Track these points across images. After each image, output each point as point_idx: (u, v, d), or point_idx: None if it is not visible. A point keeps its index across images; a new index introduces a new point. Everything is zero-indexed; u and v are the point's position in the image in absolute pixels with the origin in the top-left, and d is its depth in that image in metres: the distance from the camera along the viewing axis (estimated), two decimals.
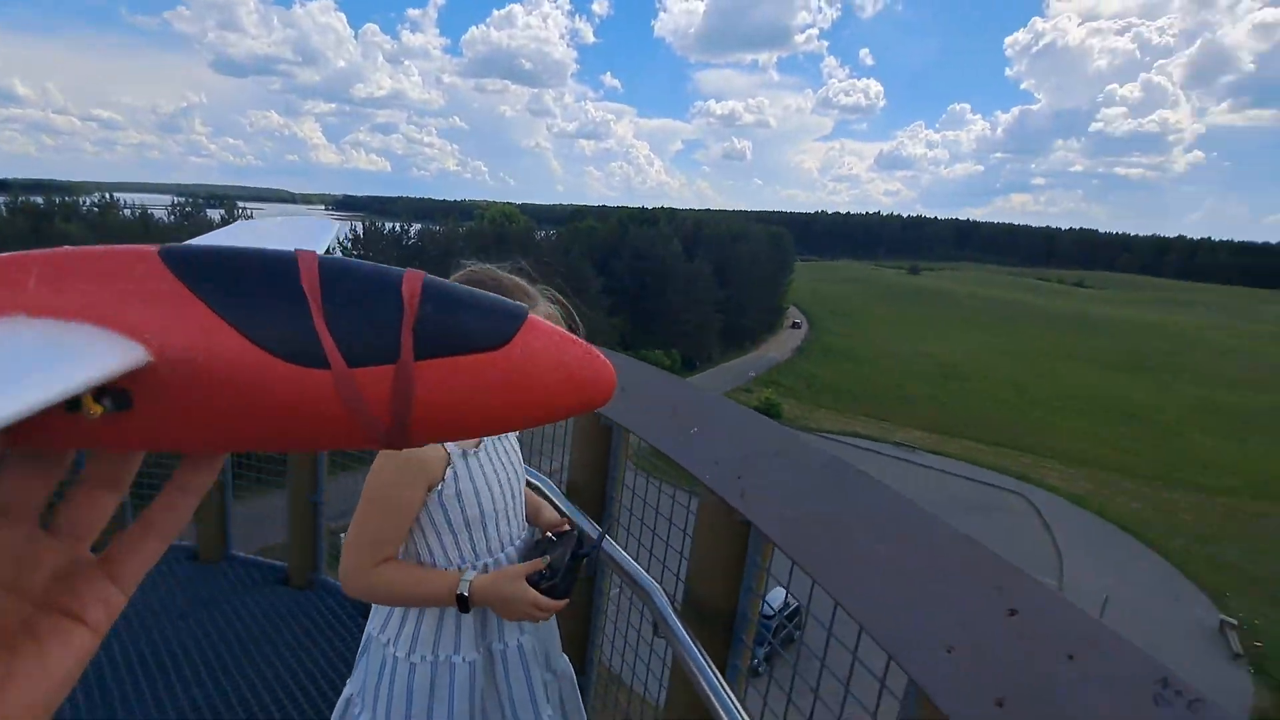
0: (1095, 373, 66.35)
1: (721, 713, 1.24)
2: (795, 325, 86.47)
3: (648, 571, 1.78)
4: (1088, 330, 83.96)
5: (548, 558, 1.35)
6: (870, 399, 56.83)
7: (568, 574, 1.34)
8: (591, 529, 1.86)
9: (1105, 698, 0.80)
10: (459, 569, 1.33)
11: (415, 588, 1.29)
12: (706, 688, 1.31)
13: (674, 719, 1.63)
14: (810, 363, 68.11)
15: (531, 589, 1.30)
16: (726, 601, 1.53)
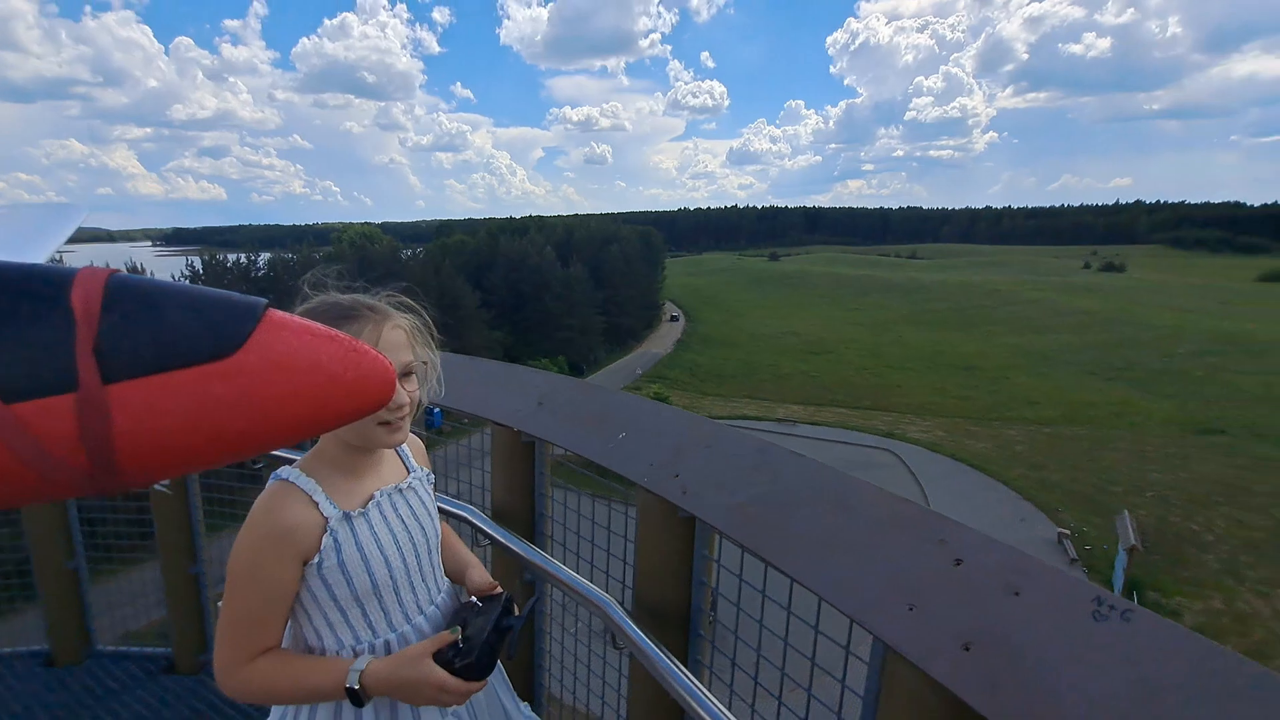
0: (933, 332, 73.74)
1: (698, 709, 1.24)
2: (674, 318, 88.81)
3: (592, 584, 1.76)
4: (923, 296, 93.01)
5: (459, 630, 1.12)
6: (750, 380, 59.60)
7: (486, 649, 1.11)
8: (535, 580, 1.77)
9: (1052, 622, 0.84)
10: (354, 652, 1.12)
11: (297, 684, 1.06)
12: (678, 686, 1.31)
13: None
14: (692, 353, 70.23)
15: (439, 670, 1.07)
16: (679, 599, 1.54)
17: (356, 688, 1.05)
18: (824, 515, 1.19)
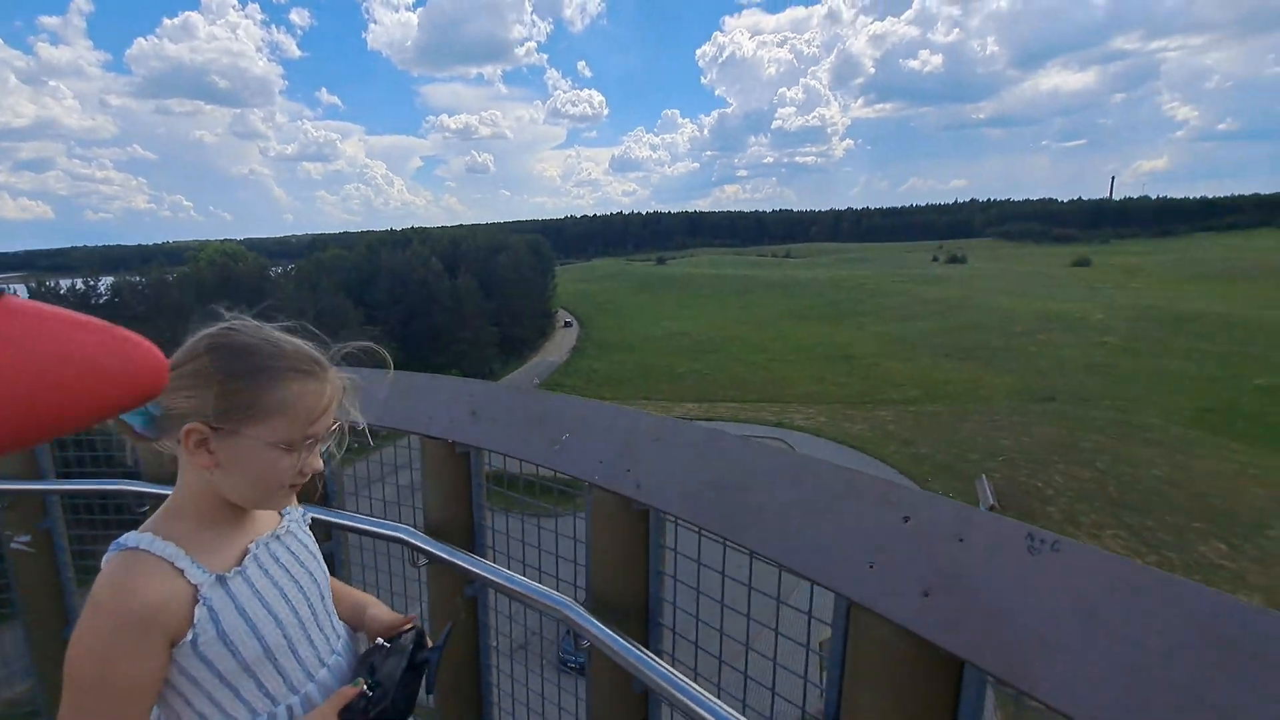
0: (810, 326, 78.53)
1: (671, 690, 1.27)
2: (567, 324, 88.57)
3: (544, 586, 1.73)
4: (800, 292, 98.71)
5: (362, 681, 1.02)
6: (646, 382, 60.57)
7: (401, 691, 1.03)
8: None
9: (996, 561, 0.94)
10: None
11: None
12: (648, 672, 1.33)
13: None
14: (588, 359, 70.31)
15: None
16: (637, 591, 1.56)
17: None
18: (780, 491, 1.26)
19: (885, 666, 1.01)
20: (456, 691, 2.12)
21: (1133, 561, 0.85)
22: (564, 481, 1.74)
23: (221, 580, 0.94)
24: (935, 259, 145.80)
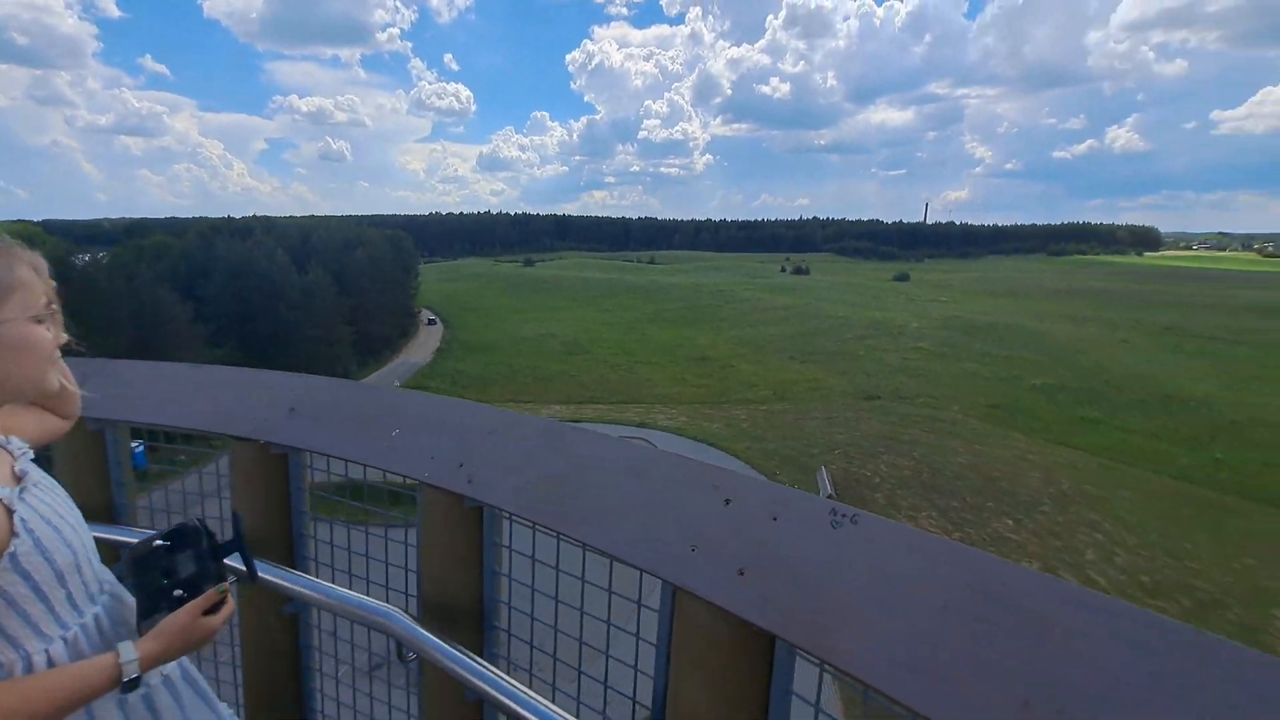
0: (673, 329, 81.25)
1: (501, 697, 1.19)
2: (431, 322, 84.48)
3: (370, 599, 1.57)
4: (663, 296, 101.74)
5: (225, 586, 0.99)
6: (513, 384, 59.23)
7: (209, 558, 1.00)
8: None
9: (805, 534, 0.97)
10: (48, 655, 0.93)
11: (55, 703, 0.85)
12: (478, 680, 1.24)
13: None
14: (453, 360, 67.41)
15: (187, 610, 0.96)
16: (471, 592, 1.46)
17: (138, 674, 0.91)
18: (617, 482, 1.22)
19: (706, 647, 1.01)
20: (273, 717, 1.88)
21: (920, 530, 0.91)
22: (411, 486, 1.58)
23: (21, 493, 0.94)
24: (783, 269, 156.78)
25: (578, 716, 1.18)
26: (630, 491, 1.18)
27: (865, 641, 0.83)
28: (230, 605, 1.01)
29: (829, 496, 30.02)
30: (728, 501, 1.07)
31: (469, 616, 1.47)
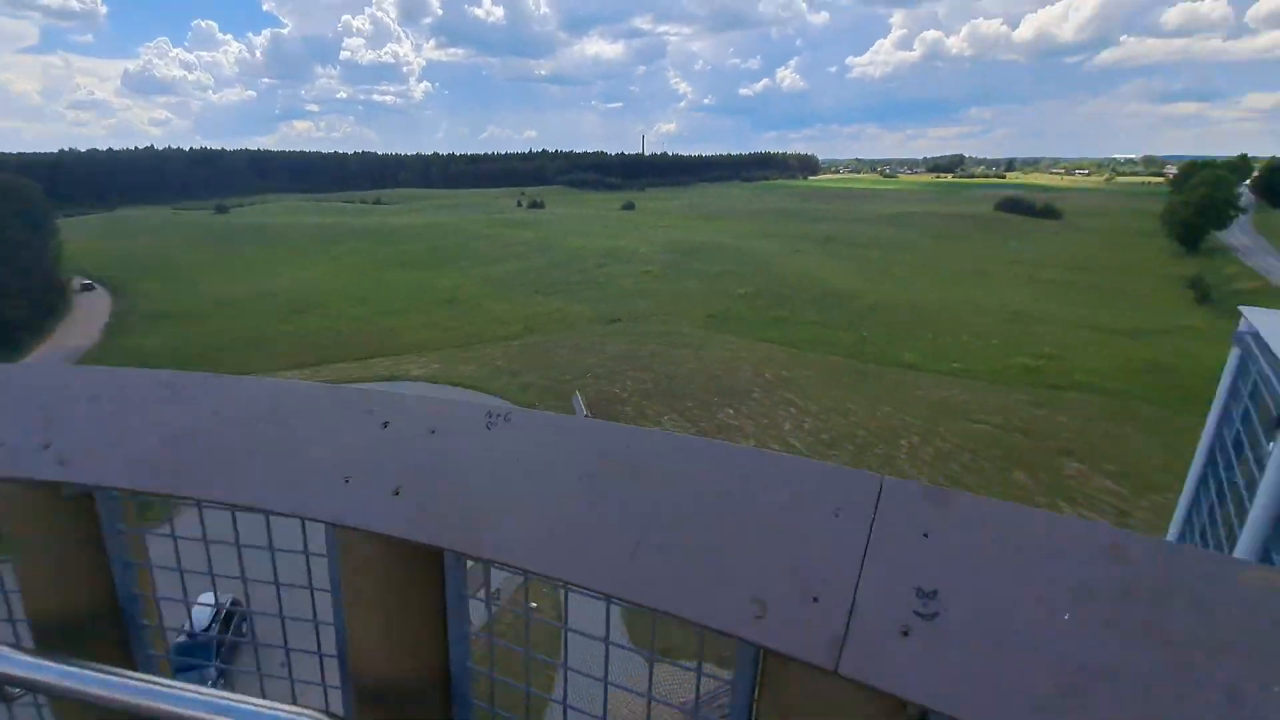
0: (413, 273, 75.56)
1: (170, 708, 0.98)
2: (87, 287, 65.97)
3: None
4: (396, 239, 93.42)
5: None
6: (225, 355, 49.74)
7: None
8: None
9: (462, 443, 0.94)
10: None
11: None
12: (136, 697, 1.00)
13: None
14: (136, 337, 53.84)
15: None
16: (101, 597, 1.16)
17: None
18: (257, 428, 1.05)
19: (373, 575, 0.94)
20: None
21: (564, 416, 0.94)
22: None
23: None
24: (519, 204, 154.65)
25: (263, 693, 1.04)
26: (274, 435, 1.02)
27: (517, 530, 0.84)
28: None
29: (585, 417, 31.85)
30: (385, 424, 0.99)
31: (107, 627, 1.18)
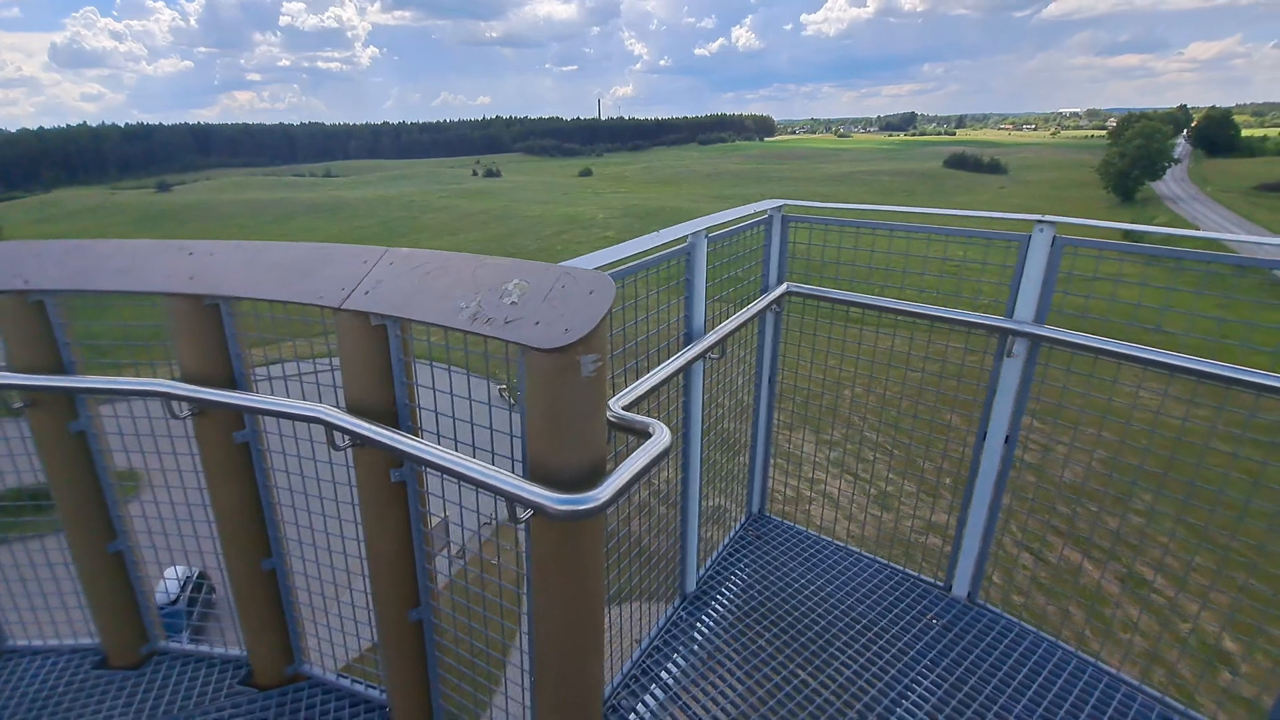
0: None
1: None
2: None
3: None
4: (350, 213, 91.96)
5: None
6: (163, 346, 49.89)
7: None
8: None
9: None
10: None
11: None
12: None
13: None
14: (81, 321, 53.18)
15: None
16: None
17: None
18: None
19: None
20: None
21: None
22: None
23: None
24: (474, 173, 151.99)
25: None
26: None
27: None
28: None
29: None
30: (124, 271, 1.81)
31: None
